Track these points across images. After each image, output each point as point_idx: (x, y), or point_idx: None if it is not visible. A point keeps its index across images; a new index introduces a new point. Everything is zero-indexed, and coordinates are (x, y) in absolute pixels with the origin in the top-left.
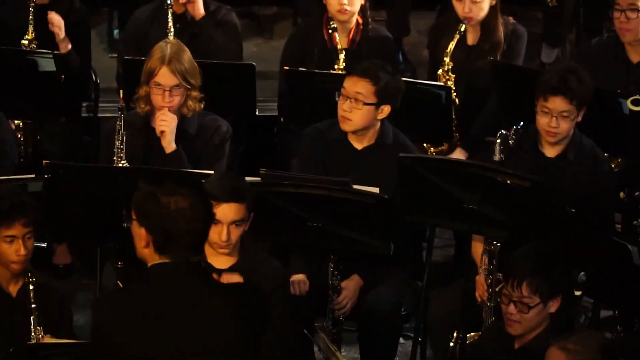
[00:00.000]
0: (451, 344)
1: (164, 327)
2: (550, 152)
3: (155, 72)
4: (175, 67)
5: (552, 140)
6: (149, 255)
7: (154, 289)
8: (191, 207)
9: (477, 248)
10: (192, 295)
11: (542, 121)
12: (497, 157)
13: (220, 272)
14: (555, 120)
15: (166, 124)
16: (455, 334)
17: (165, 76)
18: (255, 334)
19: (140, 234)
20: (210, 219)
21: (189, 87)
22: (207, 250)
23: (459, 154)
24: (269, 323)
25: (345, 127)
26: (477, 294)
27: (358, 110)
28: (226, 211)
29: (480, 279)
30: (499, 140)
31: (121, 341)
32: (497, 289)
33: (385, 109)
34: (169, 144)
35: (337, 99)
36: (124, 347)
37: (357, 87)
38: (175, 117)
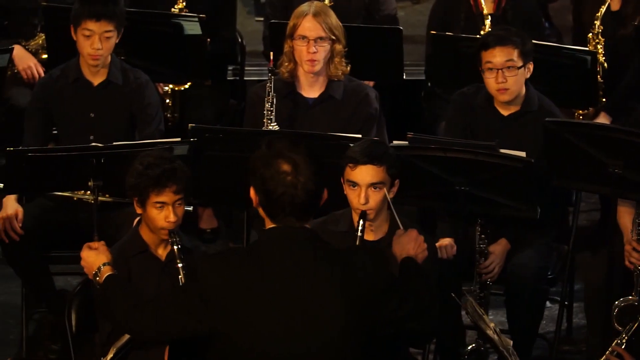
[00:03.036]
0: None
1: (266, 294)
2: None
3: (299, 24)
4: (321, 18)
5: None
6: (264, 217)
7: (260, 254)
8: (295, 173)
9: (623, 215)
10: (299, 263)
11: None
12: None
13: (371, 243)
14: None
15: None
16: None
17: (310, 27)
18: (367, 306)
19: (251, 193)
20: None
21: (334, 38)
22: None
23: (602, 119)
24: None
25: (506, 97)
26: (626, 262)
27: (513, 77)
28: (364, 173)
29: (628, 246)
30: None
31: (224, 304)
32: None
33: (530, 67)
34: None
35: (483, 75)
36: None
37: (504, 55)
38: None
